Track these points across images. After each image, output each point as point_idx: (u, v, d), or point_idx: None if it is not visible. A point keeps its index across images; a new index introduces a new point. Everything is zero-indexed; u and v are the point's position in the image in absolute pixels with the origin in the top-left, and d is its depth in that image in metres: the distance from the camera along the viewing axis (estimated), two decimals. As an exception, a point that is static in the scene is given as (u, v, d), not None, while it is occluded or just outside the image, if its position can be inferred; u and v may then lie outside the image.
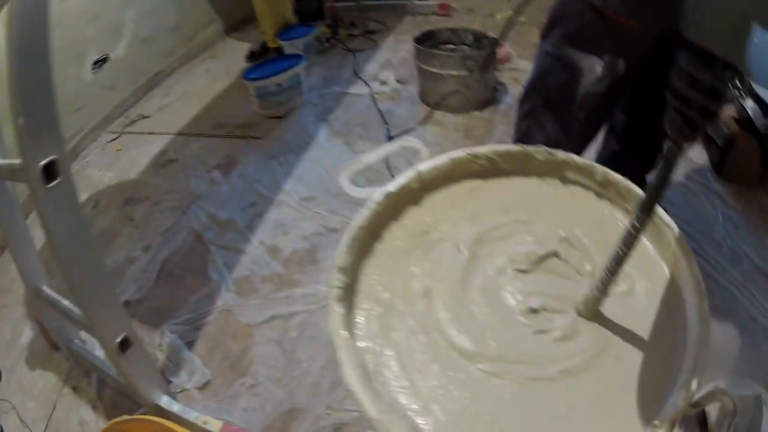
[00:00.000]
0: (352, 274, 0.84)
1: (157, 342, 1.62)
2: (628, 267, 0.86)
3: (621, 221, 0.94)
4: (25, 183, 1.02)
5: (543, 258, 0.88)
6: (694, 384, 0.66)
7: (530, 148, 1.00)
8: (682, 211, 1.91)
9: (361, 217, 0.87)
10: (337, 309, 0.75)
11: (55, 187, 1.00)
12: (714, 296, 1.55)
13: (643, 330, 0.79)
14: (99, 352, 1.51)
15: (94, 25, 2.96)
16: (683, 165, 2.09)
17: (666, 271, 0.87)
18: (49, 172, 0.99)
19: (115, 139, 3.01)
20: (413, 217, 0.94)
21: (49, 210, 1.02)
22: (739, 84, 1.96)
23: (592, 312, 0.79)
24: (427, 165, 0.97)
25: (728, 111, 1.94)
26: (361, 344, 0.76)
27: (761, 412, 1.04)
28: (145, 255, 2.01)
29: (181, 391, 1.48)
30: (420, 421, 0.67)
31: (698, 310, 0.75)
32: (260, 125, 2.70)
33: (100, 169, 2.73)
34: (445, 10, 3.71)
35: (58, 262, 1.09)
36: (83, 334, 1.59)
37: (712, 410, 1.08)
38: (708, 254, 1.75)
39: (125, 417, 1.12)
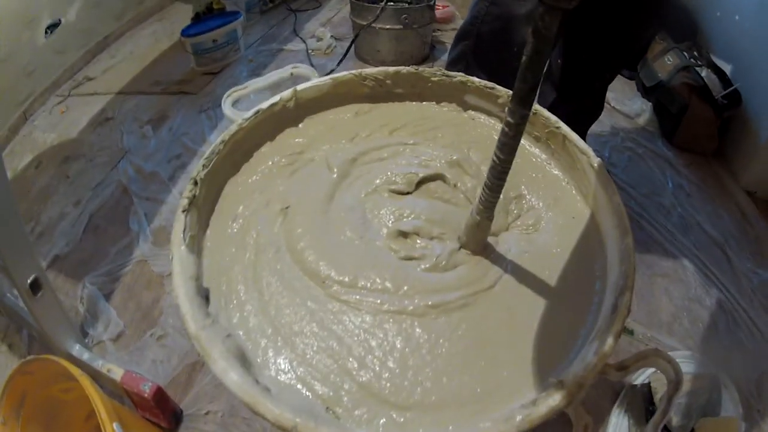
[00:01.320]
0: (212, 190, 0.71)
1: (79, 295, 1.52)
2: (534, 199, 0.75)
3: (528, 149, 0.82)
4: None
5: (426, 180, 0.75)
6: (610, 339, 0.52)
7: (424, 70, 0.87)
8: (626, 174, 1.78)
9: (226, 132, 0.74)
10: (181, 218, 0.63)
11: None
12: (662, 265, 1.49)
13: (548, 271, 0.65)
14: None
15: (48, -10, 2.79)
16: (629, 130, 1.97)
17: (582, 203, 0.75)
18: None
19: (62, 101, 2.87)
20: (288, 138, 0.81)
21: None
22: (697, 54, 1.87)
23: (477, 242, 0.65)
24: (305, 85, 0.83)
25: (682, 78, 1.83)
26: (207, 260, 0.63)
27: (719, 392, 1.05)
28: (75, 210, 1.90)
29: (97, 344, 1.37)
30: (248, 345, 0.55)
31: (620, 248, 0.62)
32: (195, 81, 2.57)
33: (45, 131, 2.61)
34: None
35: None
36: (10, 292, 1.48)
37: (659, 387, 1.04)
38: (656, 220, 1.63)
39: (31, 357, 1.02)
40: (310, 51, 2.55)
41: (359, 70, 0.86)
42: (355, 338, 0.56)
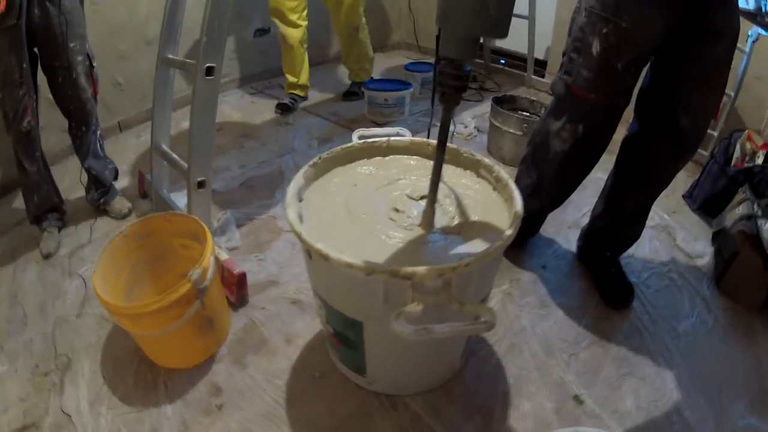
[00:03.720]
0: (324, 168, 1.55)
1: (218, 217, 2.28)
2: (480, 222, 1.39)
3: (501, 206, 1.45)
4: (193, 72, 1.71)
5: (425, 197, 1.43)
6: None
7: (461, 149, 1.61)
8: (654, 296, 1.97)
9: (346, 145, 1.58)
10: (304, 170, 1.47)
11: (210, 81, 1.71)
12: (644, 371, 1.63)
13: (464, 245, 1.29)
14: (174, 198, 2.18)
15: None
16: (681, 265, 2.14)
17: (506, 214, 1.38)
18: (209, 71, 1.70)
19: (254, 94, 3.85)
20: (377, 160, 1.64)
21: (201, 92, 1.72)
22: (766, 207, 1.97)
23: (426, 223, 1.36)
24: (396, 138, 1.66)
25: (740, 226, 1.97)
26: (306, 193, 1.46)
27: None
28: (239, 170, 2.79)
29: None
30: (306, 217, 1.36)
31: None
32: (362, 124, 3.32)
33: (233, 108, 3.57)
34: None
35: (192, 123, 1.75)
36: (167, 188, 2.26)
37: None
38: (660, 337, 1.76)
39: (178, 212, 1.59)
40: (455, 133, 3.25)
41: (429, 141, 1.67)
42: (351, 235, 1.33)
